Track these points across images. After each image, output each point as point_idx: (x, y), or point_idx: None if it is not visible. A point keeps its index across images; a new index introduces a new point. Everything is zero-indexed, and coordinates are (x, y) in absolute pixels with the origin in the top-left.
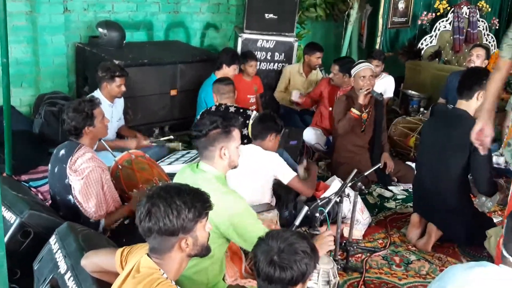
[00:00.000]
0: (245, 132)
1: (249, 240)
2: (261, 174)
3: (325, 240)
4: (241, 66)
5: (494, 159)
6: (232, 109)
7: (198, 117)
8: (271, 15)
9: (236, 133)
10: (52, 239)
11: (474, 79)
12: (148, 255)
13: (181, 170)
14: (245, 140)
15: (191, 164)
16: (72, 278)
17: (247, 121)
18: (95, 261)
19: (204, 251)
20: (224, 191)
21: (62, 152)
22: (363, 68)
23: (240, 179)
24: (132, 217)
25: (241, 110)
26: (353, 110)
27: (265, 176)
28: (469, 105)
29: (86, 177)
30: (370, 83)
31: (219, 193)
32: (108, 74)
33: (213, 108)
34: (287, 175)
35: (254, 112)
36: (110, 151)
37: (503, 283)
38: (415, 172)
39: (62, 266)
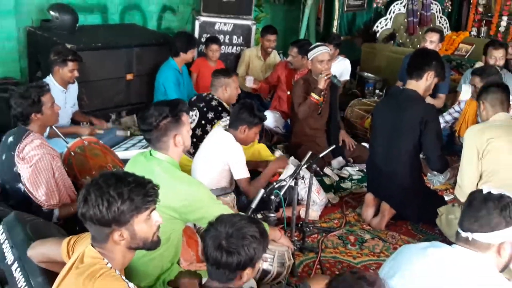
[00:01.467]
0: (208, 128)
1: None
2: (219, 162)
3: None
4: (204, 50)
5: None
6: (214, 103)
7: (145, 109)
8: None
9: (185, 118)
10: None
11: (424, 59)
12: (92, 244)
13: (134, 158)
14: (205, 134)
15: (144, 152)
16: (19, 269)
17: (215, 120)
18: (41, 251)
19: (148, 245)
20: (180, 175)
21: (10, 139)
22: (321, 53)
23: (200, 162)
24: None
25: (219, 108)
26: (313, 95)
27: (222, 165)
28: (419, 85)
29: (35, 165)
30: (328, 67)
31: (175, 178)
32: (60, 57)
33: (200, 96)
34: (240, 173)
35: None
36: (62, 137)
37: (455, 265)
38: (370, 151)
39: (9, 257)
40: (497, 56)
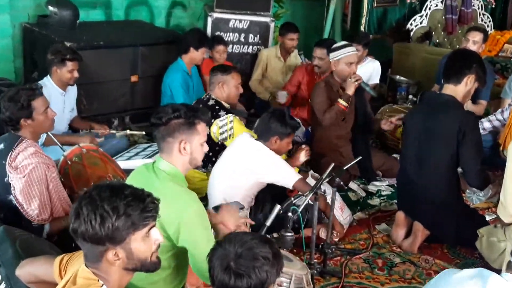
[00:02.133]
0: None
1: (193, 253)
2: (251, 176)
3: (230, 212)
4: (209, 53)
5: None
6: (211, 102)
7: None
8: None
9: (201, 128)
10: None
11: (464, 61)
12: (85, 264)
13: (137, 169)
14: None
15: (147, 163)
16: None
17: (213, 120)
18: (31, 270)
19: (147, 266)
20: (178, 190)
21: (1, 146)
22: (351, 54)
23: (223, 175)
24: None
25: (217, 107)
26: (341, 101)
27: (255, 179)
28: (457, 90)
29: (28, 175)
30: (354, 70)
31: (172, 193)
32: (58, 57)
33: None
34: (290, 180)
35: (229, 116)
36: (59, 145)
37: None
38: (400, 164)
39: None
40: None
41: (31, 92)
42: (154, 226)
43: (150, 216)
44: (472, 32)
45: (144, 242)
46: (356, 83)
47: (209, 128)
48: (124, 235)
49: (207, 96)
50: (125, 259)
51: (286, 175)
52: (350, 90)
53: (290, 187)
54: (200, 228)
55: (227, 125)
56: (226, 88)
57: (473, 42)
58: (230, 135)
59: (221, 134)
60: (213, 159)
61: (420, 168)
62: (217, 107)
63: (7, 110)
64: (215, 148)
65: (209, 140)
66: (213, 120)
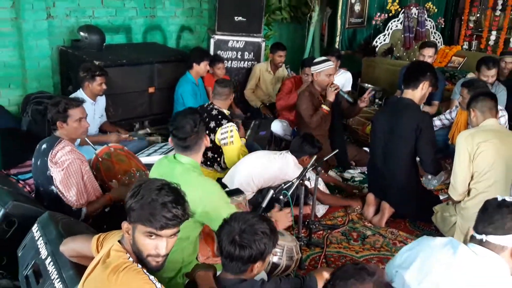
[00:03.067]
0: (212, 137)
1: (219, 221)
2: (275, 173)
3: (284, 215)
4: (210, 70)
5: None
6: (214, 112)
7: (176, 119)
8: (240, 18)
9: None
10: (34, 228)
11: (419, 71)
12: (119, 241)
13: (158, 162)
14: (211, 144)
15: (167, 156)
16: (52, 263)
17: (217, 128)
18: (72, 247)
19: (143, 261)
20: (201, 178)
21: (44, 146)
22: (330, 67)
23: (255, 165)
24: (112, 205)
25: (219, 116)
26: (324, 106)
27: (275, 176)
28: (415, 94)
29: (66, 168)
30: (332, 80)
31: (196, 181)
32: (89, 74)
33: (205, 105)
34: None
35: (230, 124)
36: (91, 145)
37: (467, 264)
38: (370, 155)
39: (43, 252)
40: (489, 75)
41: (70, 102)
42: (160, 236)
43: (157, 225)
44: (426, 48)
45: (144, 239)
46: (335, 91)
47: (214, 135)
48: (134, 218)
49: (210, 105)
50: (131, 239)
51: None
52: (331, 97)
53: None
54: (223, 203)
55: (228, 133)
56: (228, 99)
57: (428, 56)
58: (231, 142)
59: (222, 139)
60: (218, 159)
61: (385, 159)
62: (219, 116)
63: (50, 112)
64: (219, 151)
65: (214, 144)
66: (217, 128)
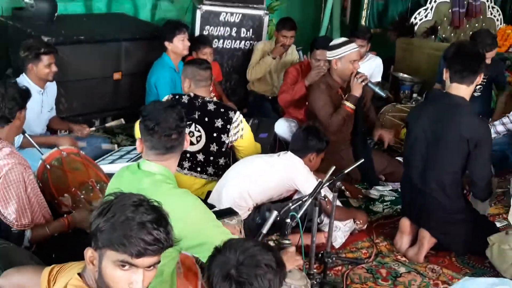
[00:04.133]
0: (224, 138)
1: (209, 248)
2: (278, 179)
3: (289, 255)
4: (194, 54)
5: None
6: (211, 107)
7: (153, 113)
8: None
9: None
10: None
11: (478, 61)
12: (79, 274)
13: (118, 173)
14: (223, 148)
15: (130, 165)
16: None
17: (228, 126)
18: (15, 281)
19: None
20: (177, 191)
21: None
22: (354, 51)
23: (248, 176)
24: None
25: (222, 110)
26: (347, 103)
27: (279, 182)
28: (467, 91)
29: (4, 177)
30: (356, 68)
31: (171, 195)
32: (32, 52)
33: (185, 100)
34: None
35: (237, 113)
36: (37, 147)
37: None
38: (404, 168)
39: None
40: None
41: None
42: (135, 267)
43: (133, 251)
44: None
45: (115, 270)
46: (362, 83)
47: (226, 136)
48: (101, 242)
49: (199, 99)
50: (96, 270)
51: (310, 183)
52: (357, 92)
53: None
54: (208, 221)
55: (239, 126)
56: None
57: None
58: (241, 135)
59: (234, 135)
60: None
61: (425, 173)
62: (221, 109)
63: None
64: (231, 155)
65: (226, 148)
66: (229, 126)
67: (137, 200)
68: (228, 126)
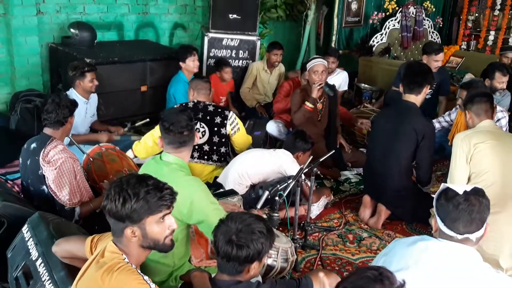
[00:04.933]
0: (223, 131)
1: (207, 224)
2: (272, 164)
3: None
4: (217, 73)
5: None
6: (210, 108)
7: (169, 116)
8: (235, 16)
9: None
10: (25, 228)
11: (423, 76)
12: (113, 241)
13: (146, 163)
14: (223, 139)
15: (154, 157)
16: (43, 264)
17: (225, 121)
18: (66, 247)
19: (160, 247)
20: (187, 178)
21: (34, 145)
22: (316, 64)
23: (251, 162)
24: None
25: (219, 110)
26: (307, 103)
27: (272, 170)
28: (417, 99)
29: (59, 167)
30: (322, 78)
31: (182, 180)
32: (78, 71)
33: (191, 105)
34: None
35: (231, 112)
36: (78, 146)
37: (441, 255)
38: (367, 156)
39: (34, 253)
40: (505, 81)
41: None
42: (169, 213)
43: (165, 205)
44: (440, 54)
45: (158, 226)
46: (318, 87)
47: (225, 129)
48: (140, 217)
49: (201, 103)
50: (140, 237)
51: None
52: (314, 93)
53: None
54: (209, 203)
55: (235, 122)
56: (211, 92)
57: (440, 61)
58: (238, 129)
59: (232, 130)
60: (230, 153)
61: (384, 159)
62: (219, 109)
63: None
64: (230, 144)
65: (226, 139)
66: (225, 122)
67: (133, 178)
68: (225, 121)
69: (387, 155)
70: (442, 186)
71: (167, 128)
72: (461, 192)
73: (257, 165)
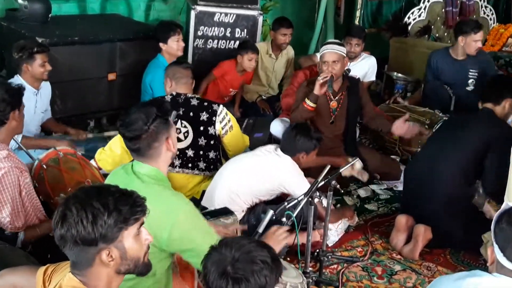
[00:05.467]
0: (211, 131)
1: (197, 254)
2: (271, 188)
3: (276, 235)
4: (239, 58)
5: None
6: (194, 102)
7: (127, 113)
8: None
9: (170, 118)
10: None
11: (503, 85)
12: (72, 272)
13: (114, 172)
14: (212, 141)
15: (125, 165)
16: None
17: (214, 118)
18: (11, 280)
19: (140, 268)
20: (166, 193)
21: None
22: (325, 51)
23: (239, 176)
24: None
25: (205, 104)
26: (307, 100)
27: (271, 189)
28: (495, 108)
29: (0, 180)
30: (332, 70)
31: (159, 196)
32: (25, 53)
33: (168, 99)
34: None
35: (221, 106)
36: (26, 151)
37: None
38: (412, 161)
39: None
40: None
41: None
42: (143, 223)
43: (140, 210)
44: (479, 33)
45: (136, 240)
46: (321, 81)
47: (213, 128)
48: (116, 232)
49: (181, 96)
50: (118, 260)
51: (301, 186)
52: (316, 90)
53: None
54: (196, 225)
55: (225, 118)
56: (193, 82)
57: (475, 41)
58: (230, 127)
59: (222, 128)
60: (221, 159)
61: (435, 162)
62: (205, 103)
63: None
64: (220, 148)
65: (215, 141)
66: (214, 119)
67: (93, 189)
68: (214, 118)
69: (440, 157)
70: (505, 205)
71: (121, 134)
72: None
73: (249, 183)
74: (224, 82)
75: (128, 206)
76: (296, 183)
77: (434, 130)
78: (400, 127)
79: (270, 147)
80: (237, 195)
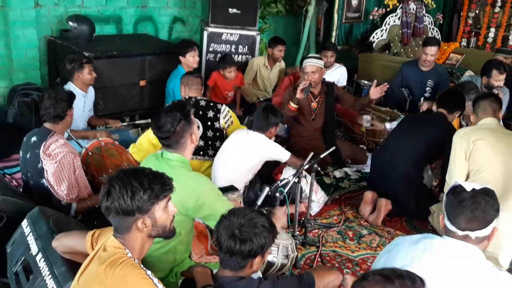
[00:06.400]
0: (217, 125)
1: (216, 217)
2: (255, 159)
3: (277, 216)
4: (221, 71)
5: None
6: (202, 103)
7: (157, 116)
8: (234, 10)
9: (193, 116)
10: (24, 223)
11: (458, 100)
12: (114, 235)
13: (146, 160)
14: (218, 133)
15: (156, 153)
16: (43, 259)
17: (218, 115)
18: (66, 242)
19: (167, 233)
20: (190, 174)
21: (34, 139)
22: (307, 64)
23: (227, 160)
24: None
25: (211, 104)
26: (291, 103)
27: (257, 161)
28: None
29: (60, 161)
30: (310, 79)
31: (185, 176)
32: (76, 64)
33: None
34: (285, 156)
35: (224, 106)
36: (75, 140)
37: (447, 253)
38: (378, 149)
39: (34, 248)
40: (502, 79)
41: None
42: (170, 198)
43: (168, 189)
44: (429, 47)
45: (164, 212)
46: (301, 87)
47: (218, 123)
48: (149, 206)
49: (193, 99)
50: (150, 227)
51: (282, 152)
52: (298, 94)
53: (284, 161)
54: (216, 196)
55: (227, 115)
56: (202, 87)
57: (431, 55)
58: (231, 122)
59: (225, 123)
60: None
61: (397, 149)
62: (211, 104)
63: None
64: (225, 138)
65: (220, 133)
66: (218, 115)
67: (131, 171)
68: (218, 115)
69: (402, 145)
70: (454, 182)
71: (154, 133)
72: (469, 189)
73: (236, 167)
74: (220, 88)
75: (160, 185)
76: (277, 151)
77: (392, 124)
78: (376, 91)
79: (242, 132)
80: (231, 178)
